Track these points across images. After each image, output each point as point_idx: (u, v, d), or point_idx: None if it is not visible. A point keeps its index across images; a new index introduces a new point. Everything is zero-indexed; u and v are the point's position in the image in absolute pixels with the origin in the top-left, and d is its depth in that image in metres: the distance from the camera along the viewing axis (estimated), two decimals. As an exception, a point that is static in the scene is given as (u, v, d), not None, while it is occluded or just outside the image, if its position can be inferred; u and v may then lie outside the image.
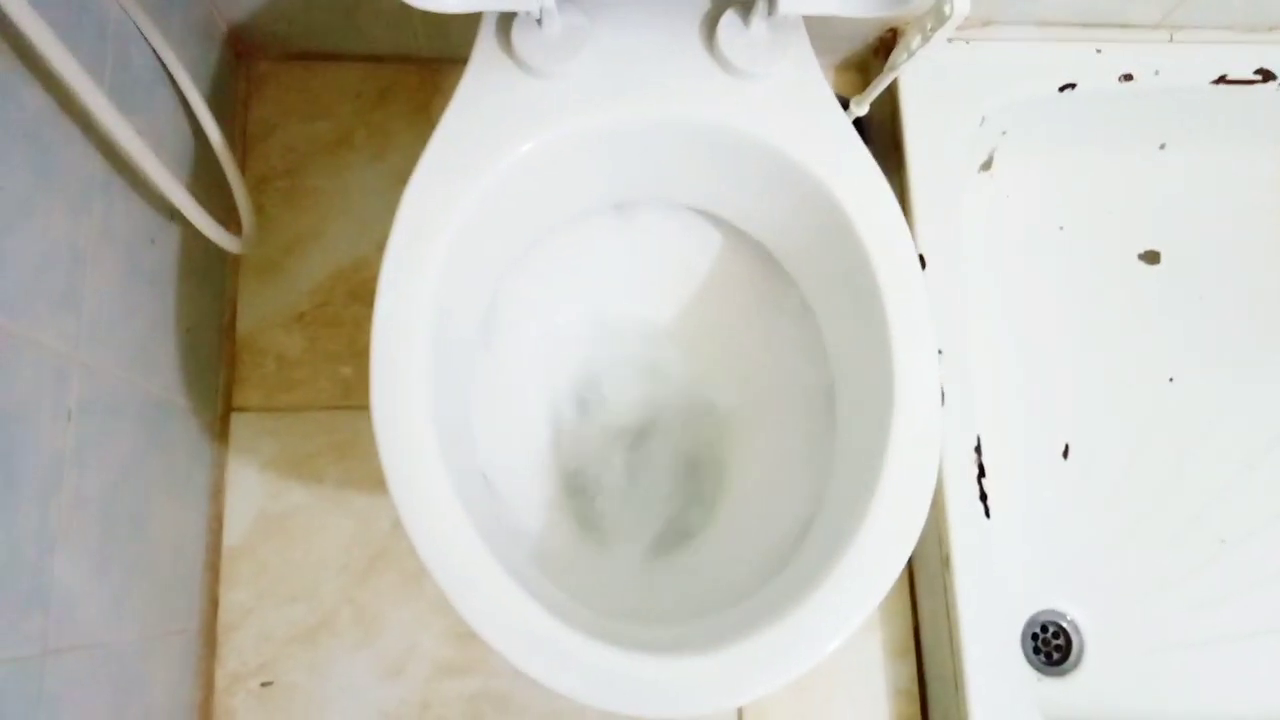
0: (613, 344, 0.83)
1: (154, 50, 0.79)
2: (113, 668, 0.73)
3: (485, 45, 0.66)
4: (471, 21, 0.68)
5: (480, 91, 0.65)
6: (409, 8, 0.98)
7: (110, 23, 0.71)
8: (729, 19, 0.66)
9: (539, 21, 0.64)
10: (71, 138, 0.66)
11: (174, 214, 0.83)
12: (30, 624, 0.61)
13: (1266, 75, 0.99)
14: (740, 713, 0.95)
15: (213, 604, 0.93)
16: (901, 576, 0.98)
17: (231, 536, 0.95)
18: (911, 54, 0.75)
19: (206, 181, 0.89)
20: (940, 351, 0.89)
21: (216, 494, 0.96)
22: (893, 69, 0.79)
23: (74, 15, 0.66)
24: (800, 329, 0.77)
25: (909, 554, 0.60)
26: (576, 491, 0.83)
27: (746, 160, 0.67)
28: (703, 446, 0.87)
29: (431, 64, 1.09)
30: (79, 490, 0.68)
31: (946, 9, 0.67)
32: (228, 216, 0.88)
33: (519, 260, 0.74)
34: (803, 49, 0.68)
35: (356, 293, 1.02)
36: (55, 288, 0.64)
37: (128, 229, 0.76)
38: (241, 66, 1.05)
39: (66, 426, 0.66)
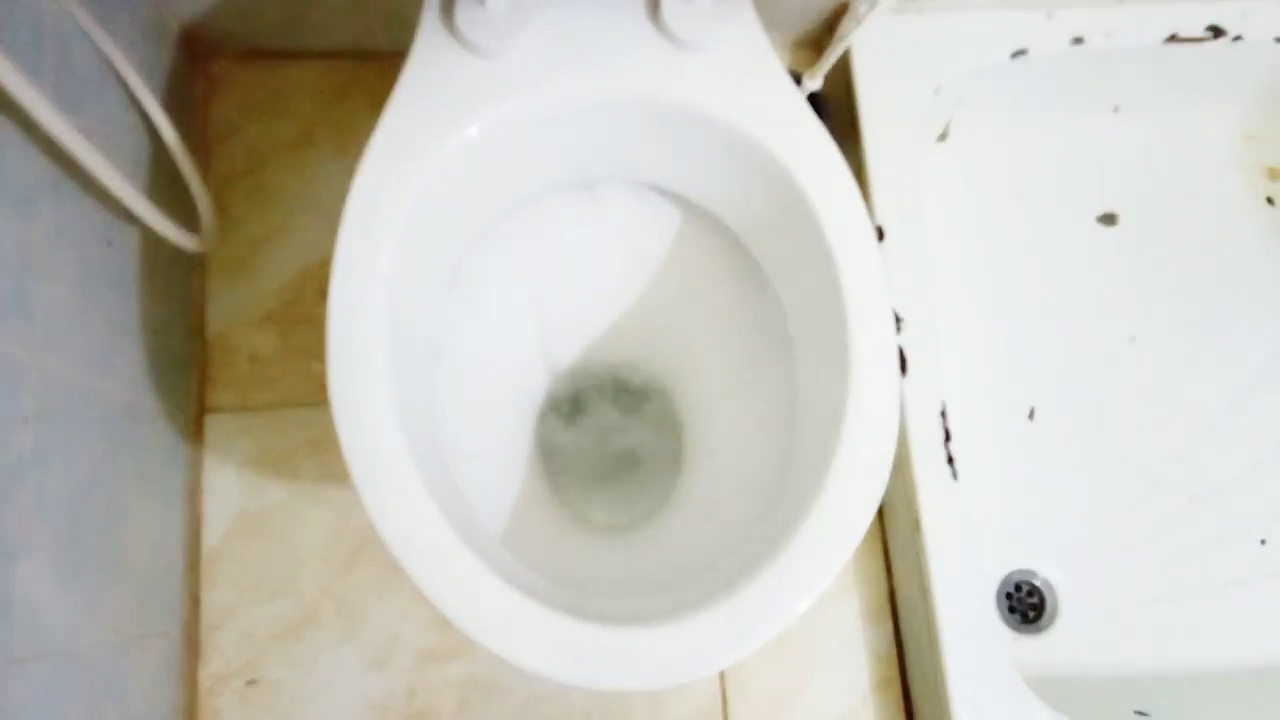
0: (576, 322, 0.84)
1: (101, 50, 0.78)
2: (87, 675, 0.73)
3: (429, 26, 0.66)
4: (426, 12, 0.68)
5: (425, 74, 0.65)
6: (364, 1, 0.99)
7: (48, 20, 0.70)
8: (673, -9, 0.67)
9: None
10: (12, 140, 0.65)
11: (131, 215, 0.83)
12: (-8, 633, 0.61)
13: (1217, 31, 1.00)
14: (722, 679, 0.96)
15: (194, 605, 0.93)
16: (875, 542, 1.00)
17: (211, 537, 0.95)
18: (859, 21, 0.76)
19: (165, 182, 0.88)
20: (903, 320, 0.90)
21: (194, 495, 0.95)
22: (842, 38, 0.80)
23: (4, 13, 0.65)
24: (761, 302, 0.77)
25: (871, 517, 0.60)
26: (545, 469, 0.84)
27: (695, 133, 0.68)
28: (669, 419, 0.88)
29: (390, 58, 1.06)
30: (41, 496, 0.67)
31: (889, -25, 0.68)
32: (190, 216, 0.88)
33: (478, 240, 0.74)
34: (748, 19, 0.68)
35: (325, 289, 1.01)
36: (3, 291, 0.63)
37: (82, 231, 0.75)
38: (198, 66, 1.04)
39: (24, 431, 0.65)
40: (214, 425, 0.98)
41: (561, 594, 0.62)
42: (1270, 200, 1.11)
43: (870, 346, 0.63)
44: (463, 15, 0.65)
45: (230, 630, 0.93)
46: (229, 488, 0.97)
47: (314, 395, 1.00)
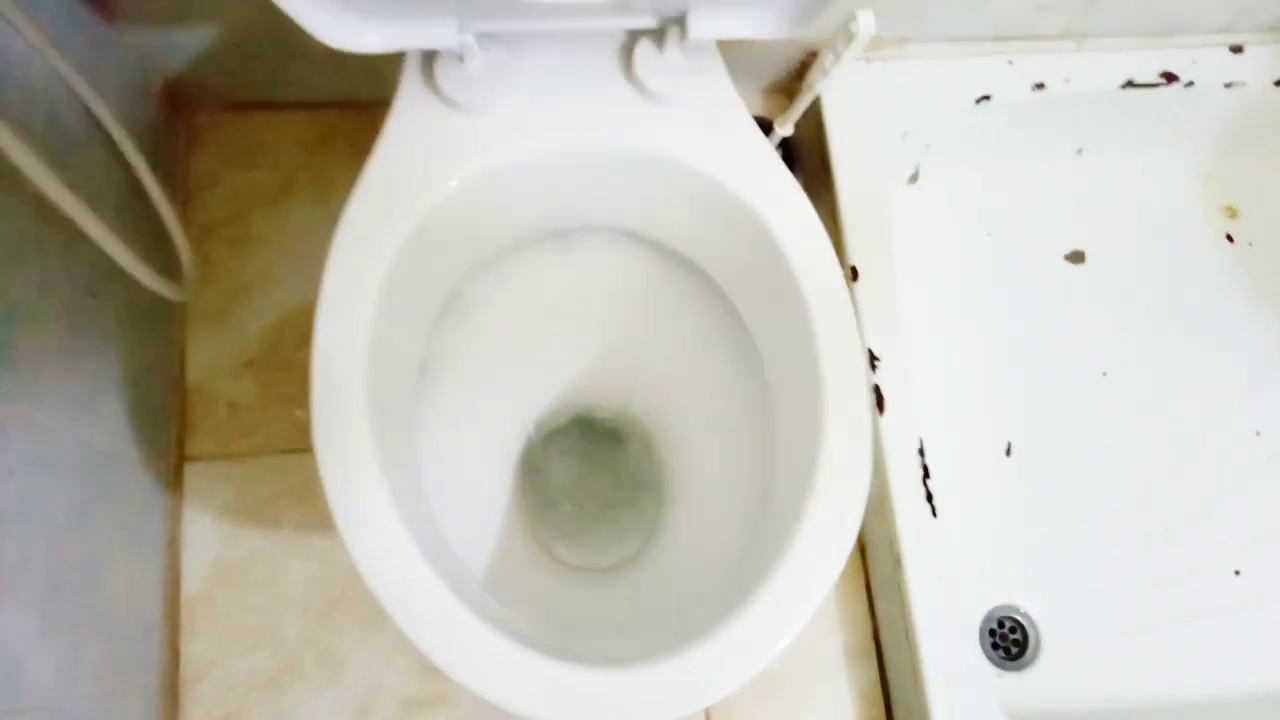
0: (557, 368, 0.85)
1: (87, 107, 0.79)
2: (68, 727, 0.72)
3: (410, 83, 0.68)
4: (407, 63, 0.70)
5: (407, 129, 0.66)
6: (343, 53, 1.01)
7: (38, 80, 0.72)
8: (645, 47, 0.69)
9: (461, 58, 0.66)
10: (2, 198, 0.67)
11: (114, 266, 0.83)
12: (-23, 686, 0.61)
13: (1170, 77, 1.04)
14: (708, 717, 0.96)
15: (173, 656, 0.92)
16: (858, 581, 1.00)
17: (189, 586, 0.95)
18: (826, 73, 0.78)
19: (147, 231, 0.89)
20: (879, 359, 0.92)
21: (172, 545, 0.95)
22: (810, 89, 0.82)
23: (-4, 75, 0.66)
24: (738, 346, 0.78)
25: (847, 554, 0.61)
26: (527, 513, 0.84)
27: (668, 182, 0.70)
28: (649, 462, 0.89)
29: (370, 107, 1.08)
30: (22, 548, 0.67)
31: (853, 28, 0.71)
32: (171, 266, 0.88)
33: (459, 289, 0.75)
34: (718, 73, 0.71)
35: (306, 336, 1.00)
36: (-13, 346, 0.64)
37: (66, 283, 0.76)
38: (180, 119, 1.06)
39: (7, 483, 0.65)
40: (193, 474, 0.98)
41: (544, 636, 0.63)
42: (1229, 237, 1.15)
43: (843, 387, 0.65)
44: (443, 73, 0.67)
45: (211, 681, 0.92)
46: (208, 536, 0.96)
47: (294, 442, 1.00)
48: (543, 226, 0.76)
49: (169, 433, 0.96)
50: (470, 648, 0.57)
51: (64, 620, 0.73)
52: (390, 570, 0.59)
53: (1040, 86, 1.02)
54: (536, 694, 0.57)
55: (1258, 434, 1.07)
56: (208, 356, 1.01)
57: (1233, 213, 1.15)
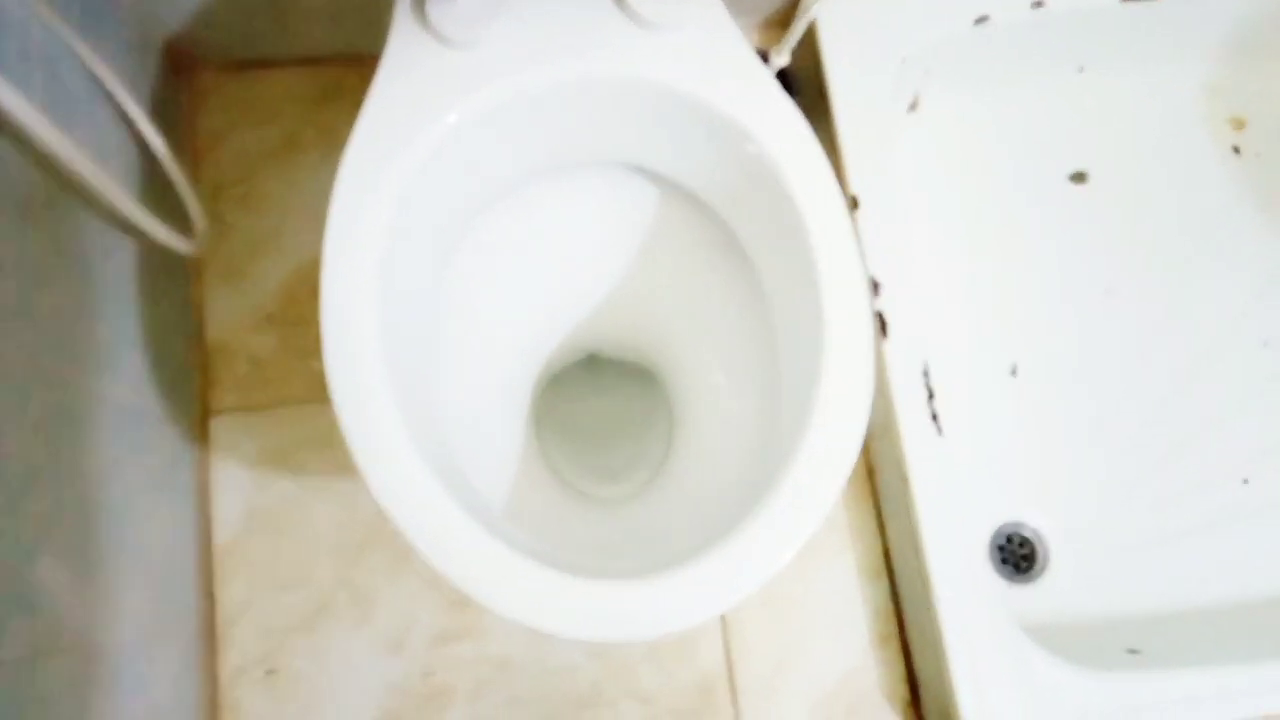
0: (565, 304, 0.86)
1: (88, 67, 0.80)
2: (110, 668, 0.75)
3: (402, 22, 0.68)
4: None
5: (400, 68, 0.67)
6: (341, 6, 1.01)
7: (34, 42, 0.72)
8: (635, -27, 0.69)
9: (451, -7, 0.67)
10: (8, 155, 0.68)
11: (127, 226, 0.85)
12: (16, 628, 0.63)
13: (1173, -13, 1.03)
14: (726, 643, 0.99)
15: (209, 601, 0.96)
16: (867, 501, 1.02)
17: (222, 534, 0.98)
18: (818, -4, 0.78)
19: (157, 192, 0.91)
20: (881, 285, 0.93)
21: (203, 495, 0.98)
22: (804, 13, 0.82)
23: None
24: (742, 275, 0.79)
25: (848, 469, 0.62)
26: (541, 446, 0.86)
27: (664, 110, 0.70)
28: (658, 394, 0.90)
29: (371, 60, 1.08)
30: (57, 498, 0.69)
31: (843, -52, 0.70)
32: (183, 224, 0.90)
33: (464, 228, 0.76)
34: (710, -1, 0.71)
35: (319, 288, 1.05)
36: (6, 302, 0.65)
37: (79, 242, 0.77)
38: (183, 79, 1.07)
39: (35, 436, 0.68)
40: (219, 426, 1.00)
41: (563, 558, 0.65)
42: (1236, 149, 1.13)
43: (843, 313, 0.65)
44: (434, 9, 0.67)
45: (247, 624, 0.96)
46: (237, 486, 0.99)
47: (314, 393, 1.02)
48: (544, 162, 0.77)
49: (192, 388, 0.99)
50: (494, 571, 0.59)
51: (101, 567, 0.75)
52: (412, 505, 0.60)
53: (1039, 5, 1.00)
54: (557, 610, 0.59)
55: (1265, 345, 1.07)
56: (226, 313, 1.03)
57: (1239, 124, 1.14)
